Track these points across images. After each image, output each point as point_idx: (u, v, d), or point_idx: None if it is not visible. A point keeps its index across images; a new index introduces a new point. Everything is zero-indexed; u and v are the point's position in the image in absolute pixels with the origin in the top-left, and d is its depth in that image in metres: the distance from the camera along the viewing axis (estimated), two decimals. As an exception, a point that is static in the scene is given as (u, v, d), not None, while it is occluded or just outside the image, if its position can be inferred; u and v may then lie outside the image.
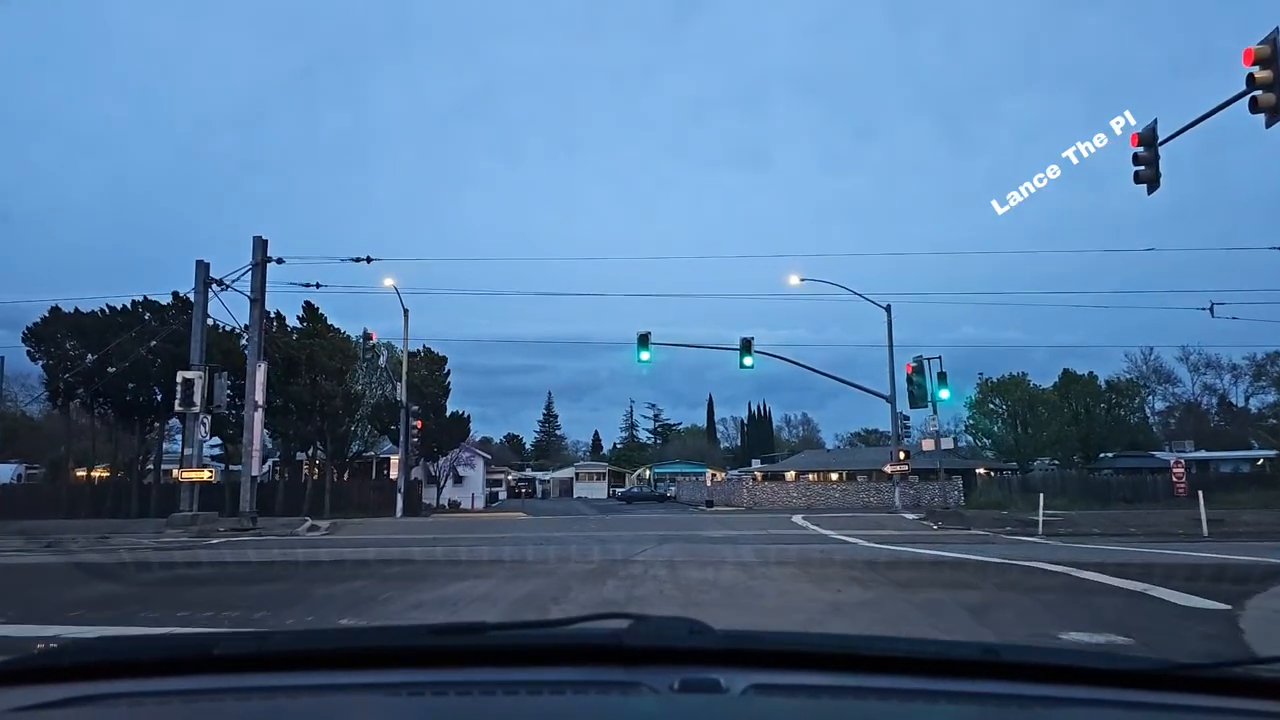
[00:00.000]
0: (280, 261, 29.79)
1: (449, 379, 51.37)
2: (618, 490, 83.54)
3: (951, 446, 37.60)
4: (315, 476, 42.51)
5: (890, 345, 36.70)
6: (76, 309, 38.26)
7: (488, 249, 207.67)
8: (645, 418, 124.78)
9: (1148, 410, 67.76)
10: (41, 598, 11.12)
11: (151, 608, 9.31)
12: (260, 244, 29.45)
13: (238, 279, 29.38)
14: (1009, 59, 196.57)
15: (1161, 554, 14.58)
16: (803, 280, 36.43)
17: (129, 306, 38.25)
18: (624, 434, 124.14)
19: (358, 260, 31.68)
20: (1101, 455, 55.36)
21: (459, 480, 58.17)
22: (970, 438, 59.21)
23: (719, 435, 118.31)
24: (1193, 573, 11.67)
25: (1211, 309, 33.20)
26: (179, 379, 27.85)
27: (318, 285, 33.74)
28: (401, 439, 40.75)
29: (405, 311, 41.05)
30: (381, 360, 48.78)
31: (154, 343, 34.48)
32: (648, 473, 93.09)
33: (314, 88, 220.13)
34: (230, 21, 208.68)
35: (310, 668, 1.65)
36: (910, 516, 31.62)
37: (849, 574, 11.70)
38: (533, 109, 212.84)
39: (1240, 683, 1.57)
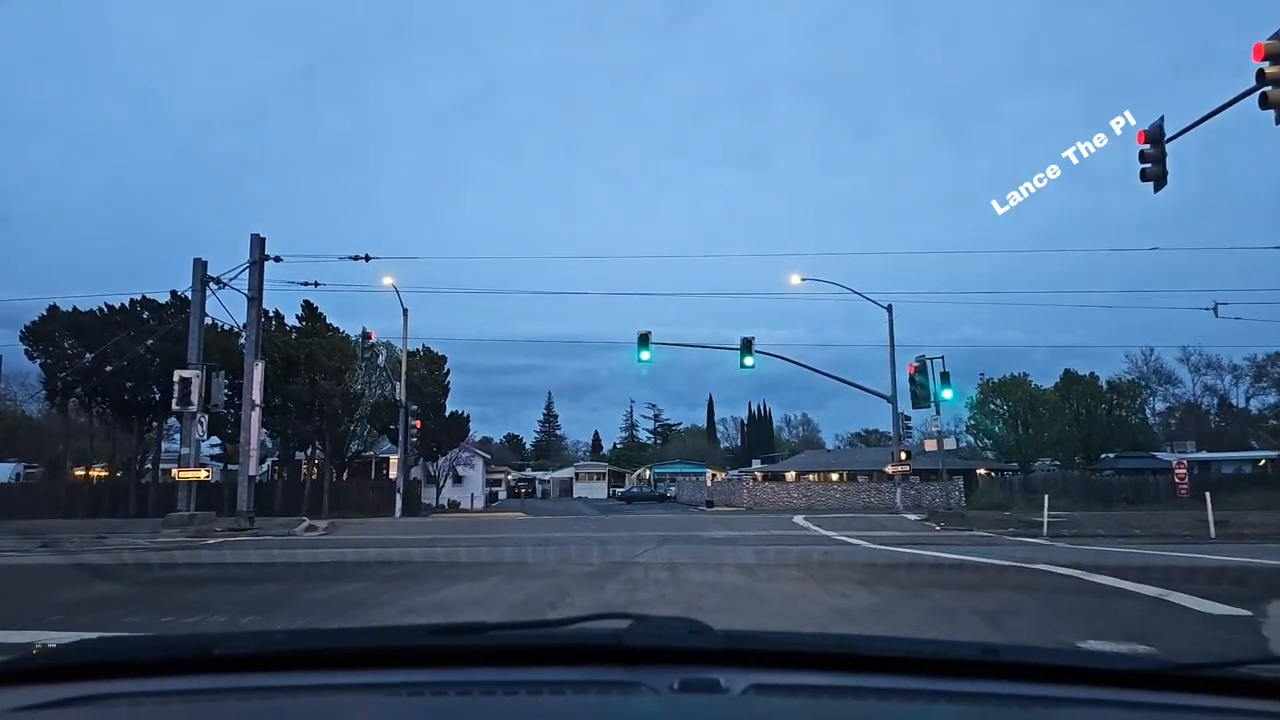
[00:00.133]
0: (278, 259, 29.59)
1: (448, 379, 51.19)
2: (618, 490, 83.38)
3: (954, 447, 37.38)
4: (314, 476, 42.30)
5: (892, 345, 36.55)
6: (75, 308, 38.18)
7: (488, 249, 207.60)
8: (645, 418, 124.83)
9: (1148, 411, 67.61)
10: (24, 600, 10.92)
11: (136, 611, 9.09)
12: (257, 242, 29.22)
13: (235, 277, 29.21)
14: (1009, 59, 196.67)
15: (1171, 556, 14.35)
16: (803, 280, 36.27)
17: (127, 305, 38.10)
18: (624, 434, 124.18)
19: (356, 258, 31.53)
20: (1103, 456, 55.20)
21: (458, 480, 58.00)
22: (971, 438, 59.07)
23: (719, 435, 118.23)
24: (1208, 577, 11.45)
25: (1215, 309, 33.05)
26: (176, 378, 27.64)
27: (316, 284, 33.57)
28: (401, 439, 40.55)
29: (404, 311, 40.92)
30: (381, 360, 48.59)
31: (151, 341, 34.26)
32: (648, 473, 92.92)
33: (314, 88, 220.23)
34: (230, 21, 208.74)
35: (310, 668, 1.65)
36: (912, 517, 31.42)
37: (854, 577, 11.49)
38: (533, 109, 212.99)
39: (1241, 683, 1.57)
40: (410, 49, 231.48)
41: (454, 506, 52.79)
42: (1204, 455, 56.05)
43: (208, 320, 30.10)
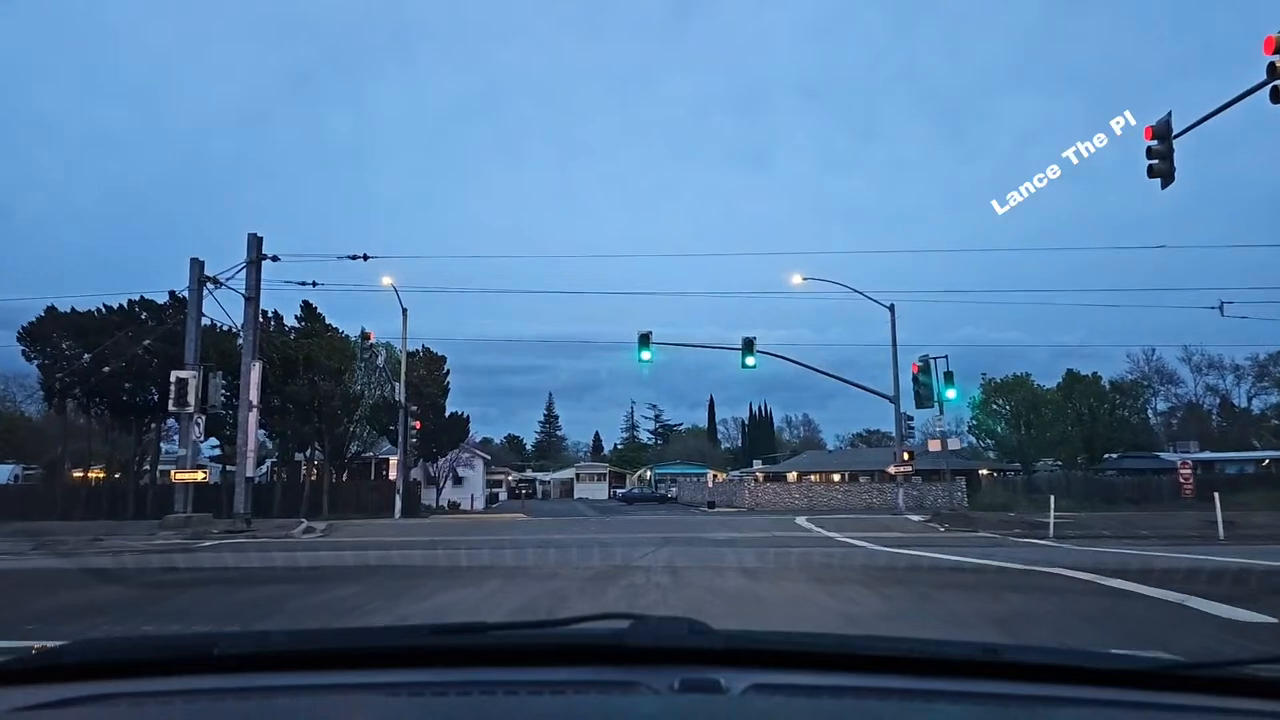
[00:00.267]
0: (275, 259, 29.37)
1: (448, 379, 50.99)
2: (618, 491, 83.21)
3: (958, 447, 37.15)
4: (313, 477, 42.09)
5: (894, 345, 36.29)
6: (73, 308, 37.94)
7: (488, 249, 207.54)
8: (646, 418, 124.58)
9: (1150, 411, 67.40)
10: (5, 606, 10.69)
11: (116, 619, 8.83)
12: (255, 241, 29.00)
13: (232, 277, 28.99)
14: (1009, 60, 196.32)
15: (1183, 558, 14.06)
16: (805, 279, 36.03)
17: (125, 306, 37.87)
18: (625, 434, 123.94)
19: (354, 258, 31.34)
20: (1105, 456, 55.01)
21: (458, 481, 57.82)
22: (973, 438, 58.87)
23: (720, 436, 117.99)
24: (1229, 580, 11.19)
25: (1221, 308, 32.85)
26: (173, 379, 27.42)
27: (315, 284, 33.38)
28: (400, 439, 40.34)
29: (404, 311, 40.66)
30: (380, 360, 48.38)
31: (149, 342, 34.05)
32: (648, 473, 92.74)
33: (315, 90, 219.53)
34: (232, 24, 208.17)
35: (310, 668, 1.65)
36: (915, 518, 31.17)
37: (860, 581, 11.26)
38: (534, 111, 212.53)
39: (1240, 683, 1.56)
40: (411, 51, 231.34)
41: (454, 507, 52.56)
42: (1207, 455, 55.84)
43: (206, 321, 29.89)
